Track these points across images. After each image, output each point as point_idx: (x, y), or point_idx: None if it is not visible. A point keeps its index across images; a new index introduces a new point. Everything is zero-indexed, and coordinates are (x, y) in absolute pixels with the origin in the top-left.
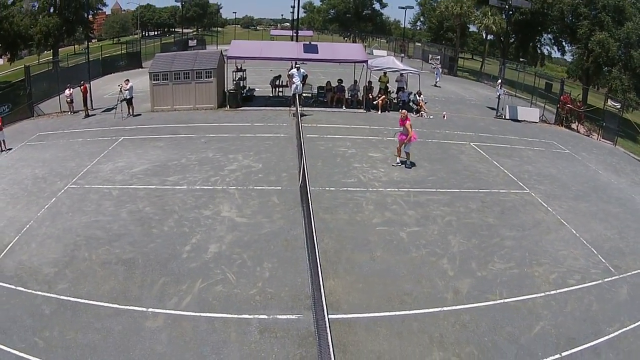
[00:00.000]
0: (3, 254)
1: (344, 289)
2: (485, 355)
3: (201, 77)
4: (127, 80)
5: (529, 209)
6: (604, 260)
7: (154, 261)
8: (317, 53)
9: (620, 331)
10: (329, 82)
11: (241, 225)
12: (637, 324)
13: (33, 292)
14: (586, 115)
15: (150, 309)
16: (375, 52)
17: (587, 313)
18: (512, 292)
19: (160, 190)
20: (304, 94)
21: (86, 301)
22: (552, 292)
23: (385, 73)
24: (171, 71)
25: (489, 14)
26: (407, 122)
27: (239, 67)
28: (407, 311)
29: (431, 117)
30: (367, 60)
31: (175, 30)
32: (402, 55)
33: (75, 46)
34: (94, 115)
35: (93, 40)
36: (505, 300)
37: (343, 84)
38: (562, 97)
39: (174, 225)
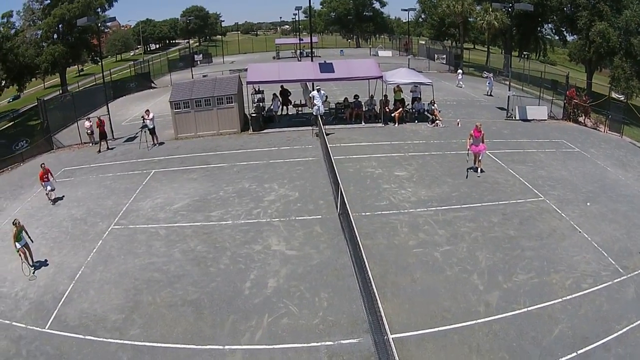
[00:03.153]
0: (61, 302)
1: (393, 311)
2: (515, 358)
3: (222, 103)
4: (148, 110)
5: (545, 217)
6: (613, 262)
7: (219, 300)
8: (334, 72)
9: (627, 327)
10: (346, 98)
11: (292, 258)
12: None
13: (105, 340)
14: (592, 108)
15: (226, 346)
16: (381, 53)
17: (598, 313)
18: (534, 301)
19: (207, 227)
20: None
21: (162, 345)
22: (568, 297)
23: (398, 85)
24: (192, 99)
25: (490, 9)
26: (482, 133)
27: (257, 89)
28: (448, 326)
29: (446, 126)
30: (382, 76)
31: (177, 41)
32: (407, 54)
33: (79, 66)
34: (118, 146)
35: (96, 58)
36: (529, 309)
37: (360, 99)
38: (568, 92)
39: (229, 262)
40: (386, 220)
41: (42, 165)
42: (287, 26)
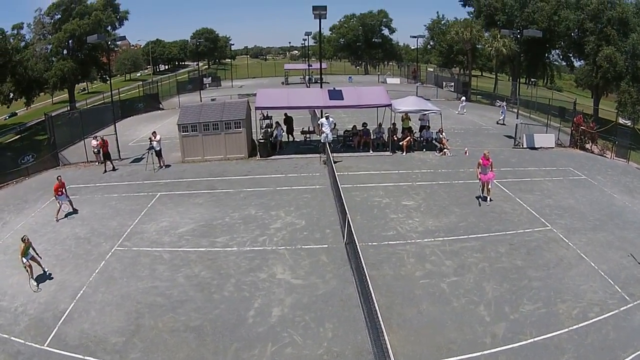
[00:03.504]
0: (61, 321)
1: (399, 343)
2: None
3: (230, 128)
4: (155, 132)
5: (552, 246)
6: (620, 290)
7: (222, 327)
8: (343, 99)
9: (633, 355)
10: (354, 126)
11: (297, 287)
12: None
13: None
14: (599, 134)
15: None
16: (389, 80)
17: (605, 342)
18: (541, 331)
19: (212, 252)
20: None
21: None
22: (575, 327)
23: (406, 113)
24: (200, 122)
25: (499, 36)
26: (490, 161)
27: (265, 115)
28: (454, 357)
29: (454, 155)
30: (390, 104)
31: (186, 63)
32: (415, 82)
33: (87, 83)
34: (124, 166)
35: (104, 76)
36: (535, 339)
37: (368, 127)
38: (575, 119)
39: (234, 290)
40: (393, 251)
41: (59, 178)
42: (296, 51)
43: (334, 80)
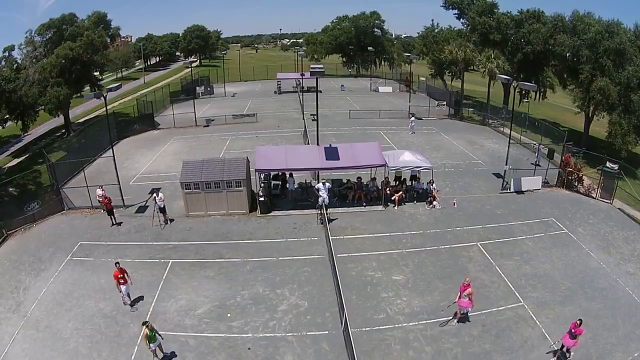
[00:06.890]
0: None
1: None
2: None
3: (232, 186)
4: (153, 190)
5: (520, 326)
6: None
7: None
8: (339, 160)
9: None
10: (349, 180)
11: None
12: None
13: None
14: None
15: None
16: (381, 89)
17: None
18: None
19: (231, 339)
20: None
21: None
22: None
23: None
24: (202, 181)
25: (492, 57)
26: (469, 289)
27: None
28: None
29: (443, 207)
30: (385, 164)
31: (177, 54)
32: (407, 90)
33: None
34: (130, 217)
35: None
36: None
37: (362, 181)
38: (563, 157)
39: None
40: (382, 337)
41: (117, 265)
42: (287, 40)
43: (326, 87)
